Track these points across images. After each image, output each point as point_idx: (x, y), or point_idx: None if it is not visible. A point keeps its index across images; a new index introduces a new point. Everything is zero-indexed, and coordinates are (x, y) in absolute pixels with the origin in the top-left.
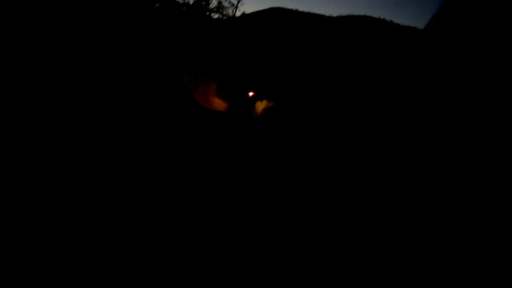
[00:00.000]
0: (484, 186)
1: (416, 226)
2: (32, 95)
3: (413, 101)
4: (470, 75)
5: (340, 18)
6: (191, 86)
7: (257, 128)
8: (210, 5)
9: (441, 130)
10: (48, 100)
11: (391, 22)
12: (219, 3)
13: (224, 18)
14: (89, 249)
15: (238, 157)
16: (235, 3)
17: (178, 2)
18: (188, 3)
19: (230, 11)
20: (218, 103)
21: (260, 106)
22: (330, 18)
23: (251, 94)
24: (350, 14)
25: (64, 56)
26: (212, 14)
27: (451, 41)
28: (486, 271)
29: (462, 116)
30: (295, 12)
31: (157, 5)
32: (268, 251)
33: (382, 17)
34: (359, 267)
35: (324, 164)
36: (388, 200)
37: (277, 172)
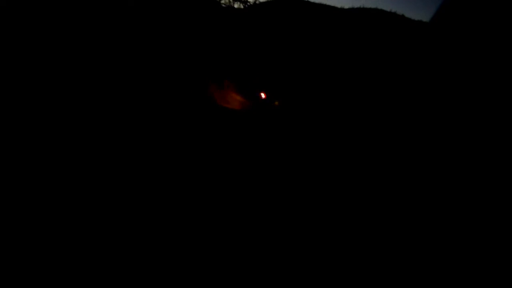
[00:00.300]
0: (485, 186)
1: (416, 226)
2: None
3: (422, 96)
4: (477, 70)
5: (351, 11)
6: (204, 82)
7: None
8: None
9: (450, 126)
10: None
11: (403, 16)
12: None
13: (235, 6)
14: (89, 248)
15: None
16: None
17: None
18: None
19: None
20: (234, 99)
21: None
22: (342, 10)
23: (263, 95)
24: (362, 7)
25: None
26: (222, 2)
27: (456, 34)
28: (486, 271)
29: (469, 113)
30: (307, 3)
31: None
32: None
33: (393, 10)
34: (360, 267)
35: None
36: (395, 199)
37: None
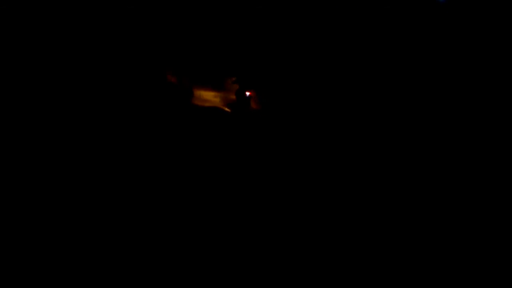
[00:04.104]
0: (484, 186)
1: (416, 227)
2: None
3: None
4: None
5: None
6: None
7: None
8: None
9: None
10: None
11: None
12: None
13: None
14: (88, 249)
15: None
16: None
17: None
18: None
19: None
20: (206, 95)
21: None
22: None
23: (248, 94)
24: None
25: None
26: None
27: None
28: (486, 271)
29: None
30: None
31: None
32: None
33: None
34: (359, 267)
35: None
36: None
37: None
